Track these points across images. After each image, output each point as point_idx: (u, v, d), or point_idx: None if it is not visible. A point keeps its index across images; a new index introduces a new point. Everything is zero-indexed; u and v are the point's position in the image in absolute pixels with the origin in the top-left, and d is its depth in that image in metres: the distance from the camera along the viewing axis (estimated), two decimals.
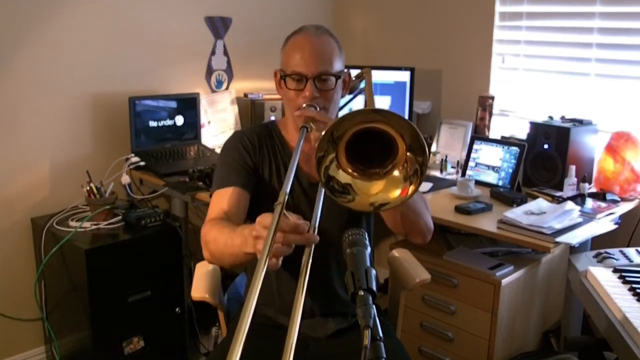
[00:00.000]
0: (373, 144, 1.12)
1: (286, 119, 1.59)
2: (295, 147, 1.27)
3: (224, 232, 1.31)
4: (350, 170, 1.13)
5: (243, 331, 0.78)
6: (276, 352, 1.14)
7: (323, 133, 1.08)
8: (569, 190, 2.29)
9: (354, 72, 1.64)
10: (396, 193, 1.12)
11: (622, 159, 2.30)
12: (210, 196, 1.52)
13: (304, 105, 1.42)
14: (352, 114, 1.08)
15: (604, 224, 2.08)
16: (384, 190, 1.13)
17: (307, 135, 1.33)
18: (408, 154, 1.10)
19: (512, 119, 2.87)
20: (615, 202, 2.25)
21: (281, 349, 0.81)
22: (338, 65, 1.47)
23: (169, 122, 2.75)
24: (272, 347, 1.25)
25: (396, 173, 1.12)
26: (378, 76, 2.81)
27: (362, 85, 1.71)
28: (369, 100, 1.53)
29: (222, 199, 1.45)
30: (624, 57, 2.47)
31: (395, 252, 1.77)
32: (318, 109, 1.42)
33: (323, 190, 1.16)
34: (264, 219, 1.11)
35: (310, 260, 0.96)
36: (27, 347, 2.54)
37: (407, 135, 1.08)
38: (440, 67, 3.07)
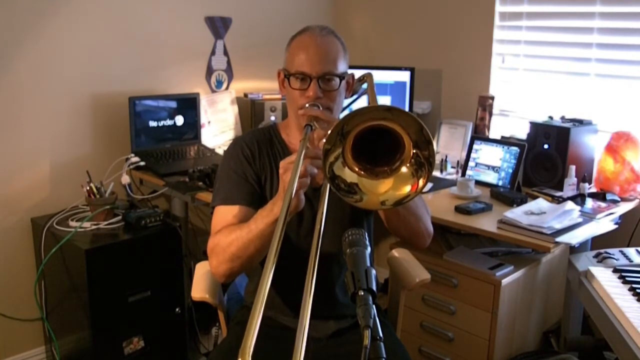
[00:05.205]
0: (377, 141, 1.12)
1: (288, 120, 1.57)
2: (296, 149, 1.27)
3: (241, 227, 1.33)
4: (356, 169, 1.13)
5: (259, 312, 0.80)
6: (277, 352, 1.14)
7: (335, 125, 1.08)
8: (569, 190, 2.29)
9: (357, 74, 1.63)
10: (406, 189, 1.12)
11: (622, 159, 2.30)
12: (212, 207, 1.50)
13: (307, 105, 1.42)
14: (363, 110, 1.08)
15: (604, 224, 2.07)
16: (393, 188, 1.13)
17: (310, 134, 1.33)
18: (414, 150, 1.10)
19: (512, 119, 2.87)
20: (615, 202, 2.25)
21: (282, 348, 0.81)
22: (342, 66, 1.46)
23: (169, 122, 2.75)
24: (272, 347, 1.26)
25: (404, 170, 1.12)
26: (378, 76, 2.81)
27: (364, 86, 1.71)
28: (373, 104, 1.53)
29: (227, 216, 1.44)
30: (624, 57, 2.46)
31: (395, 252, 1.77)
32: (321, 108, 1.41)
33: (327, 193, 1.16)
34: (287, 157, 1.25)
35: (317, 259, 0.96)
36: (27, 347, 2.54)
37: (413, 132, 1.09)
38: (440, 67, 3.07)
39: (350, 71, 1.52)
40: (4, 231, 2.43)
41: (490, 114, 2.77)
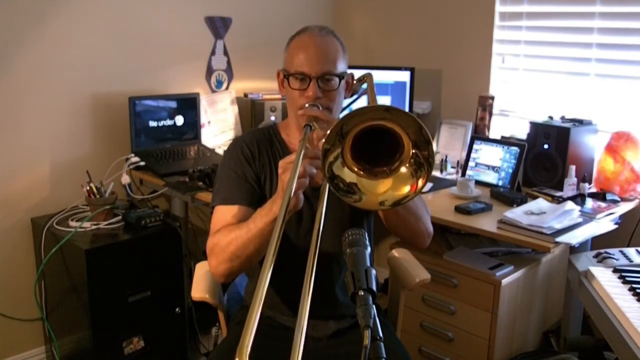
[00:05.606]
0: (377, 142, 1.12)
1: (288, 120, 1.57)
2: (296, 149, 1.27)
3: (240, 226, 1.33)
4: (355, 169, 1.13)
5: (257, 307, 0.80)
6: (276, 351, 1.14)
7: (334, 125, 1.09)
8: (569, 190, 2.29)
9: (357, 74, 1.63)
10: (405, 190, 1.12)
11: (622, 159, 2.30)
12: (211, 207, 1.50)
13: (307, 105, 1.42)
14: (363, 110, 1.09)
15: (604, 224, 2.07)
16: (392, 188, 1.13)
17: (310, 134, 1.33)
18: (414, 150, 1.10)
19: (512, 119, 2.87)
20: (615, 202, 2.25)
21: (281, 348, 0.81)
22: (342, 66, 1.46)
23: (169, 122, 2.75)
24: (272, 347, 1.26)
25: (403, 170, 1.12)
26: (378, 76, 2.81)
27: (364, 87, 1.71)
28: (372, 104, 1.53)
29: (227, 216, 1.44)
30: (624, 57, 2.46)
31: (395, 252, 1.77)
32: (321, 108, 1.41)
33: (326, 192, 1.16)
34: (286, 157, 1.24)
35: (316, 258, 0.96)
36: (27, 347, 2.54)
37: (412, 132, 1.09)
38: (440, 67, 3.07)
39: (350, 71, 1.52)
40: (4, 231, 2.43)
41: (490, 114, 2.77)
